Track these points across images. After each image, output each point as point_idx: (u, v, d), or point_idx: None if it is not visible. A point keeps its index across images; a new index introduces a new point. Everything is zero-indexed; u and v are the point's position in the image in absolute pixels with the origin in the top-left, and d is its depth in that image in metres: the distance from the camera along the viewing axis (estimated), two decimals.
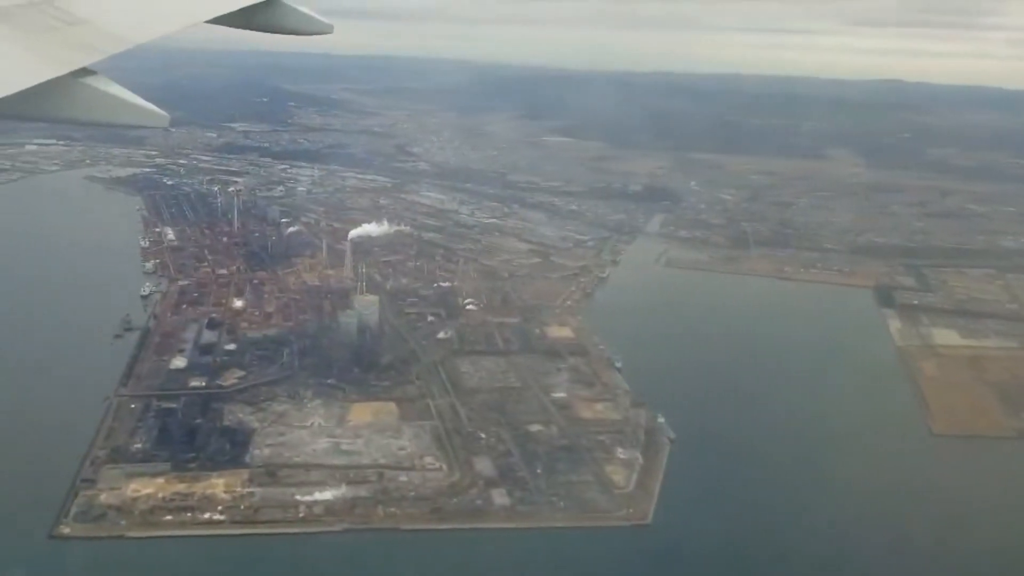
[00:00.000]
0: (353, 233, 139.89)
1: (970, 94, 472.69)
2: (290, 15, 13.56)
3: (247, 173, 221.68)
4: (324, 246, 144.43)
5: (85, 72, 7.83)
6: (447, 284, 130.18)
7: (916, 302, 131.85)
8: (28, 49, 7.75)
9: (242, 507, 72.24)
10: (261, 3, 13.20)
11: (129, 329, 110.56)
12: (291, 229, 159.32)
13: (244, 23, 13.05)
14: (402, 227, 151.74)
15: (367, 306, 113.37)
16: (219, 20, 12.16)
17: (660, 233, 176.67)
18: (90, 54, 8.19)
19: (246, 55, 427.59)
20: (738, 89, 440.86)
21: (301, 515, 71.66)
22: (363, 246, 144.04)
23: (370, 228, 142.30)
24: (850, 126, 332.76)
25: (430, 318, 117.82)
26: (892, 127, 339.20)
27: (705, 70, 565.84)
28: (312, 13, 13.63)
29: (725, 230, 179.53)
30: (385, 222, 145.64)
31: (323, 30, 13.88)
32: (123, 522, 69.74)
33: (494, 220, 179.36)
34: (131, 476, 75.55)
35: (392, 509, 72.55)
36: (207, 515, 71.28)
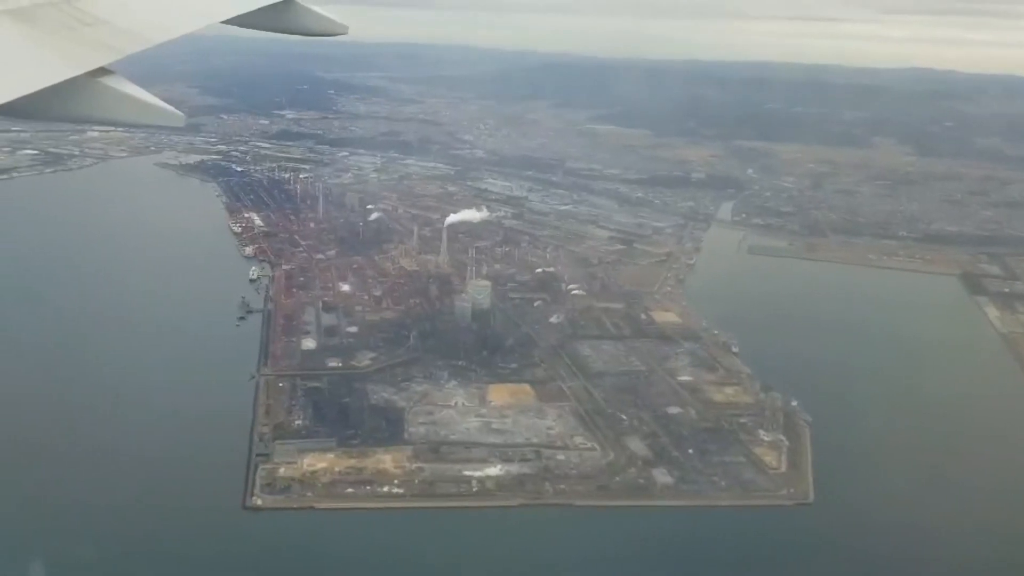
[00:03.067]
0: (449, 219, 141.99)
1: (1004, 83, 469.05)
2: (306, 16, 13.53)
3: (311, 160, 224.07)
4: (415, 232, 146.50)
5: (103, 72, 7.99)
6: (545, 270, 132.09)
7: (1007, 290, 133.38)
8: (47, 48, 7.82)
9: (416, 481, 74.85)
10: (277, 4, 13.22)
11: (250, 311, 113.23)
12: (374, 215, 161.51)
13: (260, 24, 13.06)
14: (495, 214, 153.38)
15: (480, 291, 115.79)
16: (235, 21, 12.30)
17: (733, 220, 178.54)
18: (108, 54, 8.29)
19: (271, 43, 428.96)
20: (770, 77, 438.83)
21: (475, 490, 74.19)
22: (448, 232, 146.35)
23: (467, 214, 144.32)
24: (891, 114, 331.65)
25: (536, 303, 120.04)
26: (934, 115, 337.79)
27: (734, 58, 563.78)
28: (327, 14, 13.60)
29: (796, 217, 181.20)
30: (484, 209, 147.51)
31: (338, 31, 13.87)
32: (309, 494, 72.47)
33: (567, 207, 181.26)
34: (302, 451, 78.19)
35: (561, 486, 74.98)
36: (385, 488, 73.92)
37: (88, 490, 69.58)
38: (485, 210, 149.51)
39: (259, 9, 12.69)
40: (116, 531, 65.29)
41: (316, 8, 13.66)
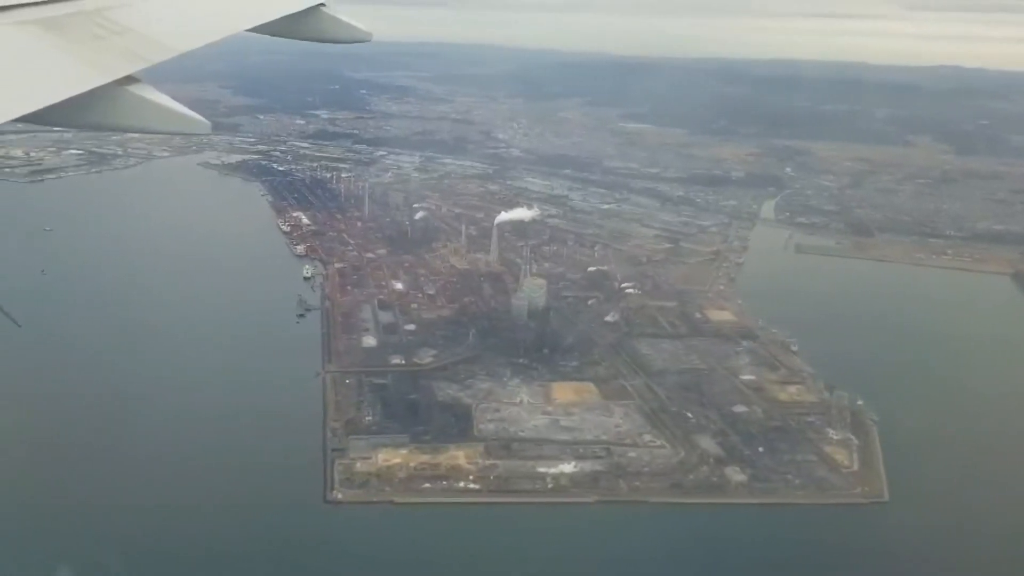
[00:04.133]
0: (500, 218, 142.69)
1: None
2: (331, 24, 13.53)
3: (350, 160, 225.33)
4: (463, 231, 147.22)
5: (130, 80, 8.08)
6: (598, 268, 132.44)
7: None
8: (75, 57, 7.90)
9: (491, 477, 75.59)
10: (302, 12, 13.26)
11: (308, 309, 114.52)
12: (420, 214, 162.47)
13: (285, 32, 13.04)
14: (545, 213, 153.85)
15: (535, 289, 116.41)
16: (260, 29, 12.27)
17: (777, 219, 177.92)
18: (134, 62, 8.38)
19: (296, 43, 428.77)
20: (796, 75, 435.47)
21: (550, 486, 74.81)
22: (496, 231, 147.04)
23: (518, 213, 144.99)
24: (924, 112, 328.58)
25: (590, 301, 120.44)
26: (967, 113, 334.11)
27: (760, 56, 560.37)
28: (352, 22, 13.57)
29: (840, 216, 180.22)
30: (535, 207, 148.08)
31: (362, 38, 13.83)
32: (387, 489, 73.42)
33: (610, 206, 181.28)
34: (376, 447, 79.22)
35: (635, 483, 75.45)
36: (461, 484, 74.73)
37: (172, 488, 70.80)
38: (536, 208, 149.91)
39: (284, 17, 12.75)
40: (206, 527, 66.45)
41: (341, 16, 13.69)
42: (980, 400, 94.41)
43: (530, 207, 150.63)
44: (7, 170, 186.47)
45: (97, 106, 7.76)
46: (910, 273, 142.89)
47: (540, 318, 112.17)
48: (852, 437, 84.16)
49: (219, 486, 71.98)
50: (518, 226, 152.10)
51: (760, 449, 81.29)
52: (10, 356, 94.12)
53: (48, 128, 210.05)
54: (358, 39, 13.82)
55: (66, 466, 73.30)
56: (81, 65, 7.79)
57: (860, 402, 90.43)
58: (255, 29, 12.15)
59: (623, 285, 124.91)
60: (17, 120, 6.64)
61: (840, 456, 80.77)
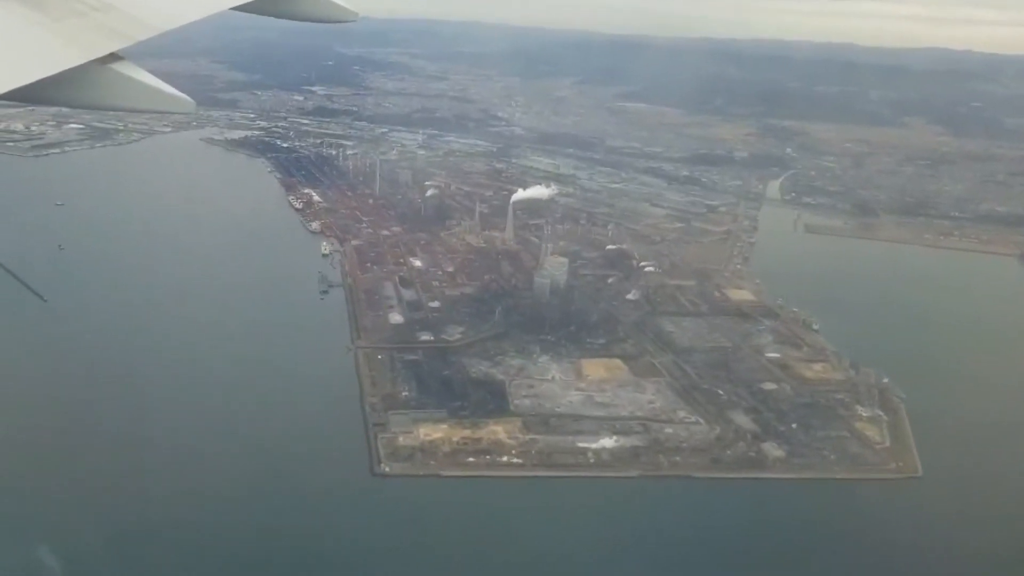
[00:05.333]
0: (516, 196, 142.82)
1: (1021, 64, 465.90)
2: (316, 3, 13.45)
3: (352, 137, 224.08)
4: (477, 209, 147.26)
5: (113, 58, 7.93)
6: (617, 247, 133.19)
7: None
8: (56, 35, 7.75)
9: (533, 452, 76.49)
10: None
11: (331, 286, 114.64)
12: (430, 192, 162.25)
13: (269, 10, 13.00)
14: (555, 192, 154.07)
15: (557, 267, 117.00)
16: (245, 7, 12.24)
17: (783, 199, 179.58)
18: (117, 40, 8.23)
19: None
20: (788, 56, 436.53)
21: (591, 461, 75.87)
22: (505, 209, 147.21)
23: (535, 191, 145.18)
24: (916, 94, 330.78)
25: (609, 279, 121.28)
26: (959, 96, 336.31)
27: (749, 36, 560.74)
28: (337, 0, 13.55)
29: (845, 197, 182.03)
30: (552, 186, 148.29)
31: (348, 18, 13.78)
32: (432, 462, 74.22)
33: (617, 185, 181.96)
34: (416, 421, 79.85)
35: (675, 458, 76.64)
36: (504, 458, 75.62)
37: (220, 465, 71.13)
38: (553, 187, 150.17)
39: None
40: (258, 502, 66.99)
41: None
42: (1001, 379, 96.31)
43: (548, 185, 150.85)
44: (10, 144, 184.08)
45: (80, 84, 7.59)
46: (919, 254, 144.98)
47: (563, 296, 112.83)
48: (881, 414, 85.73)
49: (266, 460, 72.44)
50: (530, 204, 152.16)
51: (793, 425, 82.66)
52: (37, 330, 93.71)
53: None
54: (343, 19, 13.70)
55: (107, 445, 73.22)
56: (63, 43, 7.65)
57: (886, 380, 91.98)
58: (240, 8, 12.06)
59: (642, 264, 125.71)
60: None
61: (871, 432, 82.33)
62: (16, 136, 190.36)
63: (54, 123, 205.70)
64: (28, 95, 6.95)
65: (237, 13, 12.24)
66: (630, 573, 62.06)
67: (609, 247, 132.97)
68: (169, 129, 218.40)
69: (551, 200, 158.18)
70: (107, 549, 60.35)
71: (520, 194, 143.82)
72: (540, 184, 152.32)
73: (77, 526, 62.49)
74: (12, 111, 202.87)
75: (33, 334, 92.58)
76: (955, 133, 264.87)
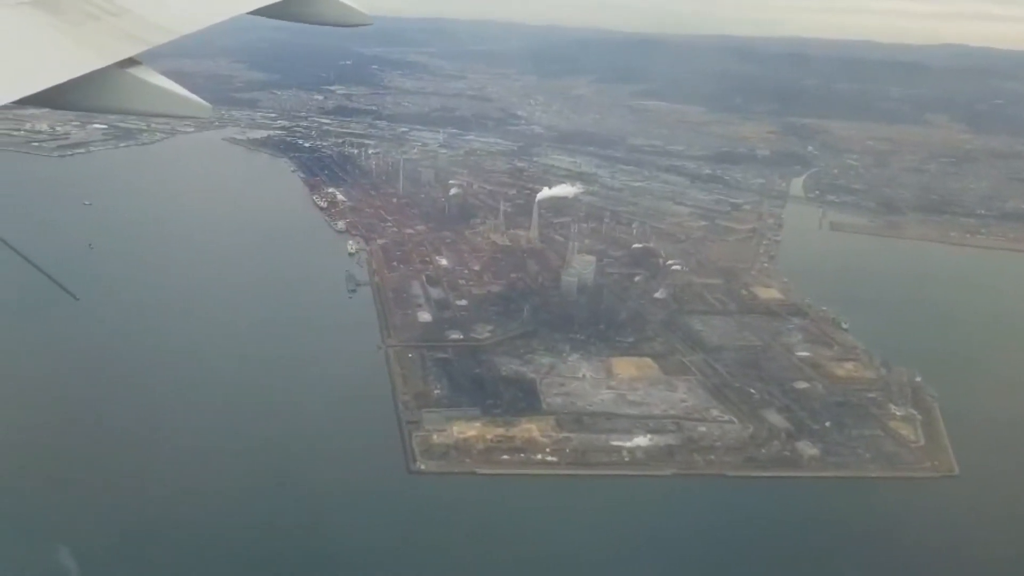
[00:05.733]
0: (541, 194, 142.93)
1: None
2: (331, 7, 13.47)
3: (373, 136, 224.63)
4: (501, 208, 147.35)
5: (130, 62, 7.92)
6: (645, 245, 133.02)
7: None
8: (73, 39, 7.75)
9: (567, 450, 76.56)
10: None
11: (359, 284, 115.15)
12: (453, 191, 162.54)
13: (287, 15, 13.04)
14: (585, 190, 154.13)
15: (585, 266, 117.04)
16: (261, 12, 12.28)
17: (807, 197, 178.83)
18: (134, 44, 8.22)
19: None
20: (804, 53, 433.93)
21: (626, 459, 75.87)
22: (528, 208, 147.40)
23: (560, 190, 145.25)
24: (936, 92, 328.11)
25: (636, 278, 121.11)
26: (979, 93, 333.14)
27: (764, 34, 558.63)
28: (353, 4, 13.58)
29: (869, 195, 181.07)
30: (578, 184, 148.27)
31: (363, 22, 13.82)
32: (467, 460, 74.44)
33: (640, 184, 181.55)
34: (449, 419, 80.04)
35: (710, 457, 76.53)
36: (539, 456, 75.74)
37: (258, 462, 71.63)
38: (578, 185, 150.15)
39: (284, 0, 12.72)
40: (296, 499, 67.40)
41: None
42: None
43: (573, 184, 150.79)
44: (35, 144, 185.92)
45: (97, 89, 7.57)
46: (946, 252, 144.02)
47: (590, 294, 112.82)
48: (915, 413, 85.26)
49: (302, 457, 72.82)
50: (553, 203, 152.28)
51: (827, 424, 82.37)
52: (70, 328, 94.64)
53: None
54: (359, 23, 13.77)
55: (144, 442, 73.88)
56: (80, 47, 7.66)
57: (918, 378, 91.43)
58: (256, 12, 12.11)
59: (668, 262, 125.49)
60: (16, 103, 6.51)
61: (906, 431, 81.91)
62: (42, 136, 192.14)
63: (78, 123, 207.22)
64: (46, 100, 7.00)
65: (252, 17, 12.26)
66: (668, 571, 62.02)
67: (635, 245, 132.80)
68: (192, 129, 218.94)
69: (574, 199, 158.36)
70: (138, 542, 61.03)
71: (545, 192, 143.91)
72: (563, 183, 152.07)
73: (113, 518, 63.25)
74: (36, 111, 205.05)
75: (66, 332, 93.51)
76: (978, 131, 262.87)
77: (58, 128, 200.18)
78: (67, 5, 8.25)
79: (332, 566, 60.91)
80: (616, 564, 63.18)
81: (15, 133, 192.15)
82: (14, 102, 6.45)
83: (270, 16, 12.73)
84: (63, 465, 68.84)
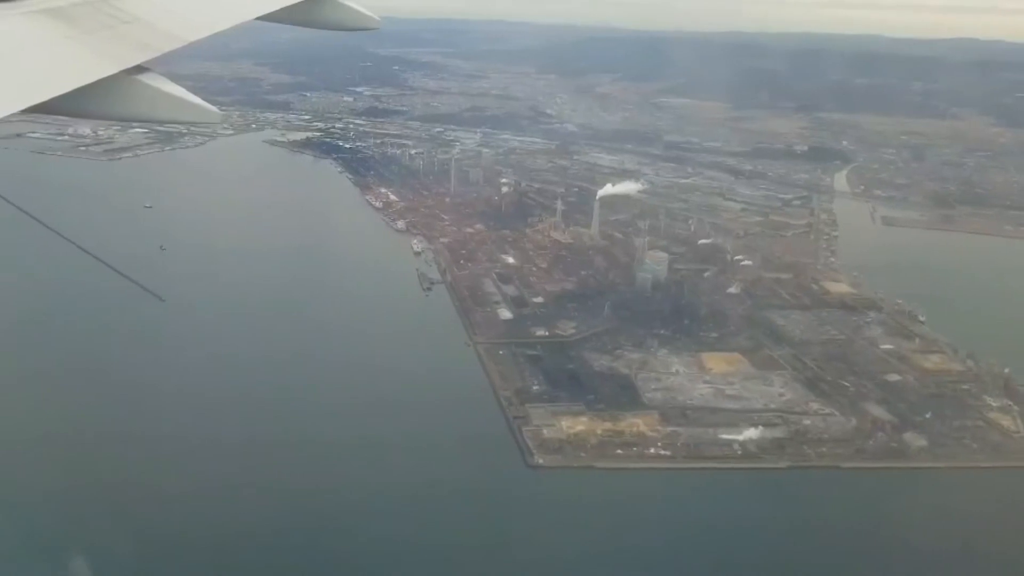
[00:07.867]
0: (603, 191, 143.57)
1: None
2: (339, 11, 13.58)
3: (410, 136, 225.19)
4: (559, 206, 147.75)
5: (140, 69, 8.03)
6: (713, 241, 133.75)
7: None
8: (85, 47, 7.86)
9: (678, 444, 77.24)
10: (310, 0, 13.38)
11: (433, 283, 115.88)
12: (504, 189, 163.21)
13: (295, 19, 13.13)
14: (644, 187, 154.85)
15: (658, 263, 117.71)
16: (270, 17, 12.43)
17: (853, 192, 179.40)
18: (144, 52, 8.33)
19: None
20: (820, 49, 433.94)
21: (739, 452, 76.51)
22: (584, 206, 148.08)
23: (624, 187, 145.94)
24: (957, 85, 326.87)
25: (705, 274, 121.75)
26: (1003, 86, 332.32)
27: (776, 30, 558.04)
28: (361, 8, 13.65)
29: (914, 189, 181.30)
30: (641, 182, 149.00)
31: (371, 25, 13.90)
32: (582, 454, 75.14)
33: (687, 180, 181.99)
34: (555, 414, 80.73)
35: (821, 449, 77.16)
36: (651, 450, 76.44)
37: (378, 458, 72.33)
38: (641, 182, 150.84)
39: (294, 5, 12.90)
40: (421, 495, 68.04)
41: (349, 3, 13.75)
42: None
43: (636, 180, 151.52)
44: (82, 149, 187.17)
45: (109, 95, 7.67)
46: (1003, 245, 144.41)
47: (665, 291, 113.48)
48: (1011, 403, 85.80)
49: (418, 453, 73.44)
50: (608, 200, 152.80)
51: (928, 415, 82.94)
52: (165, 329, 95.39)
53: None
54: (367, 26, 13.87)
55: (260, 441, 74.56)
56: (91, 55, 7.77)
57: (1007, 370, 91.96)
58: (265, 17, 12.25)
59: (736, 257, 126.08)
60: (28, 110, 6.59)
61: (1006, 422, 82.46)
62: (87, 140, 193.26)
63: (119, 127, 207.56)
64: (59, 107, 7.09)
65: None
66: (810, 560, 62.70)
67: (701, 241, 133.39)
68: (231, 132, 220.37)
69: (625, 196, 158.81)
70: (270, 534, 61.81)
71: (608, 190, 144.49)
72: (617, 181, 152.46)
73: (242, 516, 64.12)
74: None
75: (162, 333, 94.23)
76: (1008, 124, 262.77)
77: (100, 132, 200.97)
78: (80, 14, 8.38)
79: (476, 559, 61.47)
80: (753, 553, 63.69)
81: (59, 138, 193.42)
82: (27, 109, 6.57)
83: (279, 21, 12.87)
84: (196, 466, 69.61)
